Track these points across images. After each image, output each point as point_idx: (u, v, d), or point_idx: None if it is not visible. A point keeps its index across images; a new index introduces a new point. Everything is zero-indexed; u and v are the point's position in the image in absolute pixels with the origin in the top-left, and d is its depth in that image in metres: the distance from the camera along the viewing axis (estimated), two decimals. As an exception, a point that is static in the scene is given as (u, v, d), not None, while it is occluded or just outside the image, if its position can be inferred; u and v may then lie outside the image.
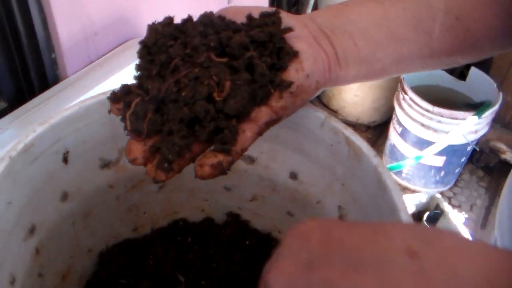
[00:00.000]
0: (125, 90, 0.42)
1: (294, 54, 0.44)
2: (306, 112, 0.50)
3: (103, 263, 0.63)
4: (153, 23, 0.43)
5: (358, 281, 0.26)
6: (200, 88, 0.40)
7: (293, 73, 0.44)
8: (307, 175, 0.56)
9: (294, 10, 1.76)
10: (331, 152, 0.51)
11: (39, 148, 0.48)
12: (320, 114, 0.50)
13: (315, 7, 1.60)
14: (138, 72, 0.42)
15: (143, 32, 0.94)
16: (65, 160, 0.52)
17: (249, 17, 0.45)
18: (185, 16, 0.45)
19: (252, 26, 0.44)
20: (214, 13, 0.45)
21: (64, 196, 0.54)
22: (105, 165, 0.56)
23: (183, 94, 0.40)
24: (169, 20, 0.44)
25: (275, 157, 0.57)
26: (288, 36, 0.45)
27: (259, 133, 0.44)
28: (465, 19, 0.47)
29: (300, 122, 0.52)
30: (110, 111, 0.42)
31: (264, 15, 0.45)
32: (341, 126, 0.49)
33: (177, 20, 0.44)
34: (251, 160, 0.59)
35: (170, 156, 0.40)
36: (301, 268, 0.28)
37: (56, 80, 0.84)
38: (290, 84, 0.43)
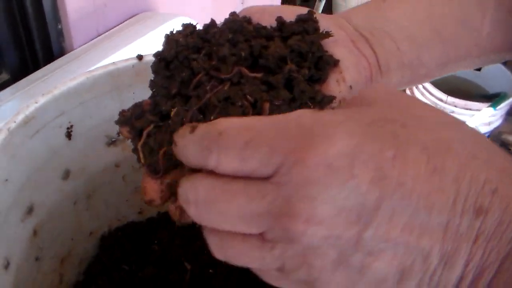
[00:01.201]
0: (137, 112, 0.35)
1: (334, 64, 0.37)
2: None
3: (105, 246, 0.60)
4: (172, 33, 0.36)
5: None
6: (232, 112, 0.32)
7: (333, 85, 0.37)
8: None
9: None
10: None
11: (41, 121, 0.44)
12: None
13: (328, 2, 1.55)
14: (153, 90, 0.35)
15: (154, 5, 0.91)
16: (69, 135, 0.48)
17: (280, 21, 0.38)
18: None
19: (286, 31, 0.38)
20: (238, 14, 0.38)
21: (66, 174, 0.50)
22: (112, 142, 0.53)
23: (212, 118, 0.32)
24: (191, 29, 0.36)
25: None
26: (325, 41, 0.38)
27: None
28: None
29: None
30: (119, 133, 0.36)
31: (301, 19, 0.38)
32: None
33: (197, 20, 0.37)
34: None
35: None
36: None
37: (61, 52, 0.81)
38: (332, 99, 0.35)
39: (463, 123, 0.29)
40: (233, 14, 0.37)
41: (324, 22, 0.39)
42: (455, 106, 1.34)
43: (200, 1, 1.06)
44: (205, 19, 0.37)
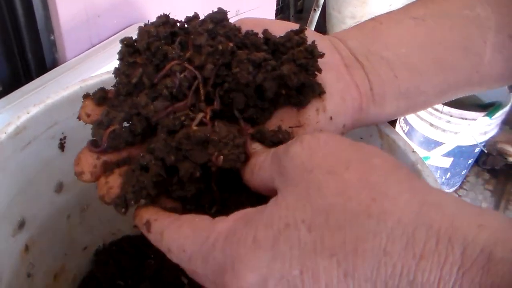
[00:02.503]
0: (101, 95, 0.35)
1: (319, 94, 0.35)
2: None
3: (99, 262, 0.58)
4: (145, 24, 0.35)
5: None
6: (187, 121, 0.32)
7: (312, 114, 0.35)
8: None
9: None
10: (360, 146, 0.46)
11: (33, 132, 0.43)
12: (350, 103, 0.45)
13: (322, 12, 1.54)
14: (116, 78, 0.35)
15: (148, 16, 0.90)
16: (62, 146, 0.46)
17: (266, 36, 0.36)
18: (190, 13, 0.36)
19: (272, 46, 0.36)
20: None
21: (59, 187, 0.49)
22: (106, 154, 0.51)
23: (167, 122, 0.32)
24: (164, 19, 0.35)
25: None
26: None
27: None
28: None
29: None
30: (78, 117, 0.35)
31: (292, 36, 0.36)
32: (373, 117, 0.44)
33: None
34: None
35: (130, 198, 0.31)
36: None
37: (54, 63, 0.80)
38: (321, 92, 0.35)
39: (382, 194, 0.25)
40: (219, 8, 0.35)
41: (320, 42, 0.37)
42: (451, 116, 1.33)
43: (193, 12, 1.05)
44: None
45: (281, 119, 0.36)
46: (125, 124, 0.34)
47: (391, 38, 0.39)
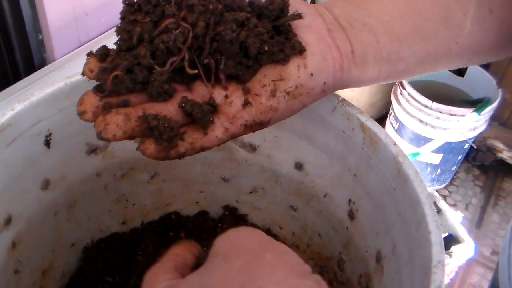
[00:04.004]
0: (103, 52, 0.37)
1: (300, 51, 0.38)
2: (316, 95, 0.46)
3: (88, 258, 0.58)
4: None
5: None
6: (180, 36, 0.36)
7: (293, 70, 0.38)
8: (314, 165, 0.51)
9: None
10: (343, 139, 0.46)
11: (18, 129, 0.43)
12: (332, 97, 0.45)
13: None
14: (118, 36, 0.37)
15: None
16: (48, 143, 0.47)
17: (250, 1, 0.40)
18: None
19: (257, 10, 0.40)
20: None
21: (46, 184, 0.49)
22: (92, 150, 0.51)
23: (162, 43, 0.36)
24: None
25: (279, 145, 0.52)
26: (297, 25, 0.39)
27: (232, 136, 0.38)
28: (499, 12, 0.42)
29: (308, 106, 0.47)
30: (82, 73, 0.37)
31: (275, 0, 0.39)
32: (355, 111, 0.45)
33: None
34: (252, 148, 0.54)
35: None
36: None
37: (43, 63, 0.80)
38: (301, 49, 0.38)
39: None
40: None
41: (303, 8, 0.40)
42: (440, 112, 1.34)
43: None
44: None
45: (265, 74, 0.38)
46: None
47: (374, 7, 0.42)
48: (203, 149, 0.37)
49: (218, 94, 0.38)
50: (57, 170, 0.49)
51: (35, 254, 0.51)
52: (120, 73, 0.35)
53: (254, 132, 0.39)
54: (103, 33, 0.87)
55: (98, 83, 0.36)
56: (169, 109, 0.36)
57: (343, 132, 0.46)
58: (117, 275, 0.57)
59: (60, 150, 0.48)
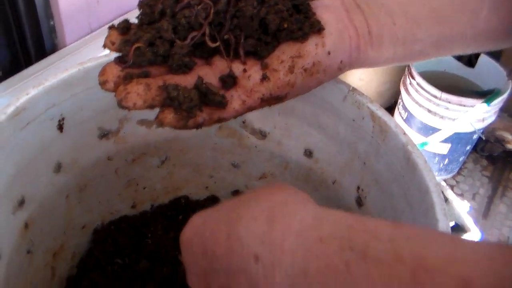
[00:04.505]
0: (125, 25, 0.38)
1: (318, 30, 0.39)
2: (326, 83, 0.46)
3: (98, 240, 0.59)
4: None
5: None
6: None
7: (311, 47, 0.39)
8: (324, 152, 0.51)
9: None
10: (352, 128, 0.47)
11: (32, 113, 0.44)
12: (343, 86, 0.46)
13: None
14: (140, 10, 0.38)
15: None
16: (61, 127, 0.47)
17: None
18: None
19: None
20: None
21: (58, 167, 0.50)
22: (104, 135, 0.52)
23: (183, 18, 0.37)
24: None
25: (289, 132, 0.52)
26: (316, 4, 0.40)
27: (249, 108, 0.39)
28: None
29: (319, 94, 0.47)
30: (104, 45, 0.38)
31: None
32: (366, 100, 0.45)
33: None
34: (263, 135, 0.54)
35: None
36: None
37: (54, 48, 0.80)
38: (320, 28, 0.38)
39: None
40: None
41: None
42: (449, 103, 1.33)
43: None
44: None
45: (283, 51, 0.39)
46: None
47: None
48: (220, 120, 0.38)
49: (237, 68, 0.39)
50: (69, 154, 0.50)
51: (47, 236, 0.52)
52: (142, 45, 0.36)
53: (270, 106, 0.40)
54: (114, 20, 0.87)
55: (120, 54, 0.37)
56: (189, 81, 0.37)
57: (353, 120, 0.46)
58: (127, 257, 0.58)
59: (73, 134, 0.49)
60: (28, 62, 0.77)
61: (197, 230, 0.36)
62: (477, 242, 0.26)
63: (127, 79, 0.36)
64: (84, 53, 0.79)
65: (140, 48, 0.36)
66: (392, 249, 0.26)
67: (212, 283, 0.34)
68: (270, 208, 0.32)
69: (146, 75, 0.37)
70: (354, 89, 0.45)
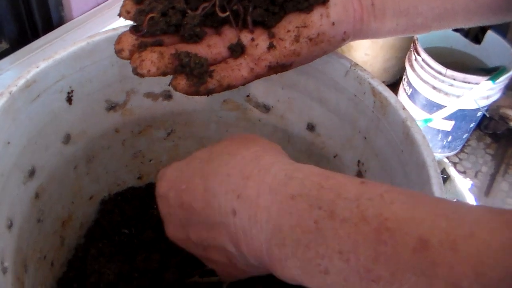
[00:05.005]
0: None
1: (323, 1, 0.40)
2: (329, 58, 0.47)
3: (105, 211, 0.61)
4: None
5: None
6: None
7: (316, 18, 0.40)
8: (326, 127, 0.53)
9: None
10: (354, 103, 0.48)
11: (42, 85, 0.45)
12: (345, 61, 0.47)
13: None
14: None
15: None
16: (69, 100, 0.49)
17: None
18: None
19: None
20: None
21: (67, 139, 0.51)
22: (112, 107, 0.53)
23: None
24: None
25: (292, 107, 0.54)
26: None
27: (257, 76, 0.40)
28: None
29: (322, 69, 0.48)
30: (119, 14, 0.40)
31: None
32: (367, 76, 0.46)
33: None
34: (266, 109, 0.55)
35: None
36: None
37: (61, 21, 0.81)
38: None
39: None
40: None
41: None
42: (454, 79, 1.33)
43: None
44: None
45: (289, 21, 0.41)
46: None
47: None
48: (229, 87, 0.39)
49: (245, 37, 0.41)
50: (77, 126, 0.51)
51: (56, 205, 0.53)
52: (155, 15, 0.38)
53: (276, 74, 0.42)
54: (120, -7, 0.87)
55: (135, 24, 0.38)
56: (199, 50, 0.39)
57: (355, 95, 0.47)
58: (133, 227, 0.60)
59: (81, 106, 0.50)
60: (35, 35, 0.78)
61: (173, 184, 0.39)
62: (438, 201, 0.28)
63: (142, 47, 0.38)
64: (91, 26, 0.79)
65: (154, 18, 0.38)
66: (357, 209, 0.28)
67: (191, 233, 0.37)
68: (244, 164, 0.35)
69: (160, 44, 0.38)
70: (356, 64, 0.46)
